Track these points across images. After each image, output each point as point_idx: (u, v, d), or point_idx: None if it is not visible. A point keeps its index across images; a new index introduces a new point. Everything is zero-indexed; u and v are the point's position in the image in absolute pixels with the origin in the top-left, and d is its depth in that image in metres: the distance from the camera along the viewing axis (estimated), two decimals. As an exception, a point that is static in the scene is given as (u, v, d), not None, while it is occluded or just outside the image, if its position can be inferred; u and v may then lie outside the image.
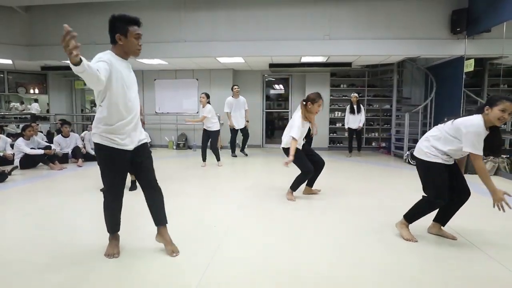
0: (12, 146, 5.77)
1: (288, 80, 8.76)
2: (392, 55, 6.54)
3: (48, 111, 9.64)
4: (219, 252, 2.26)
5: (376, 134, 8.42)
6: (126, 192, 2.26)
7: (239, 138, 7.33)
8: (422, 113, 7.12)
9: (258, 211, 3.27)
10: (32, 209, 3.33)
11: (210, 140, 5.93)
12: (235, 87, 6.98)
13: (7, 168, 4.89)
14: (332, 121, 8.39)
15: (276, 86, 9.34)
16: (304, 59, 7.19)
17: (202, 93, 5.88)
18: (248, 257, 2.21)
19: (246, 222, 2.93)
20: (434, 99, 7.00)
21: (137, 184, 4.18)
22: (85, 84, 9.46)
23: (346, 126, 7.22)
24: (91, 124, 6.22)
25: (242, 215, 3.14)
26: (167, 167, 5.91)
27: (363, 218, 3.03)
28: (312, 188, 3.90)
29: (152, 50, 7.00)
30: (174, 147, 8.59)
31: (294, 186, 3.71)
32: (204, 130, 5.91)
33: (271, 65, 7.78)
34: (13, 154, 5.53)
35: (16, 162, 5.35)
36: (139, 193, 3.93)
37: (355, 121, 7.07)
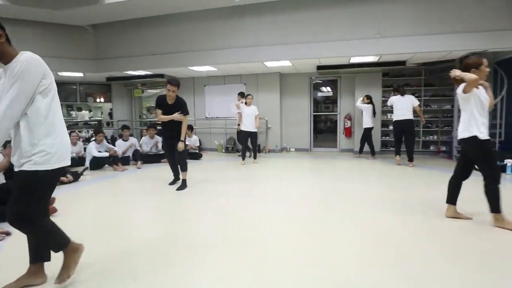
0: (85, 149, 6.48)
1: (337, 82, 8.54)
2: (453, 51, 6.03)
3: (111, 117, 10.58)
4: (270, 253, 2.28)
5: (435, 137, 7.81)
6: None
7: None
8: (491, 113, 6.43)
9: (307, 213, 3.23)
10: (99, 205, 3.69)
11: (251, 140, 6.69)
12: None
13: (80, 169, 5.48)
14: (385, 124, 7.97)
15: (324, 89, 9.17)
16: (354, 60, 6.96)
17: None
18: (297, 261, 2.19)
19: (295, 225, 2.91)
20: (506, 96, 6.30)
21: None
22: (142, 92, 10.38)
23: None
24: (146, 129, 6.69)
25: (291, 218, 3.13)
26: (216, 169, 6.12)
27: (426, 227, 2.83)
28: (459, 211, 2.98)
29: (203, 57, 7.35)
30: (223, 150, 8.85)
31: (495, 206, 2.71)
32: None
33: (319, 67, 7.67)
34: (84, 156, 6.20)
35: (87, 163, 5.98)
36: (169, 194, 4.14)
37: None
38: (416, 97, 7.71)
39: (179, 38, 7.58)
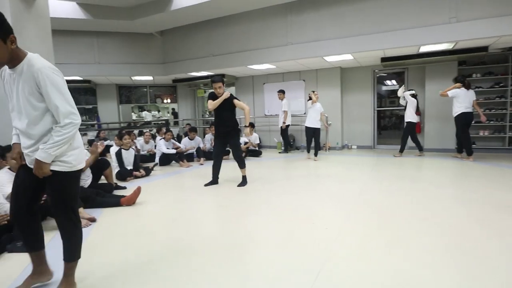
0: (155, 147, 7.07)
1: (403, 74, 7.92)
2: (550, 31, 5.15)
3: (176, 116, 11.33)
4: (333, 255, 2.21)
5: (526, 132, 6.77)
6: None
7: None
8: None
9: (369, 215, 3.06)
10: (167, 199, 3.98)
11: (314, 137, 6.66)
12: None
13: (150, 164, 5.99)
14: (461, 118, 7.15)
15: (389, 82, 8.57)
16: (424, 49, 6.37)
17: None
18: (358, 265, 2.08)
19: (357, 225, 2.77)
20: None
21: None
22: (205, 92, 10.90)
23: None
24: (209, 127, 7.08)
25: (353, 218, 2.99)
26: (275, 167, 6.14)
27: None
28: None
29: (261, 55, 7.42)
30: (283, 147, 8.83)
31: None
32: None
33: (383, 59, 7.19)
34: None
35: (157, 159, 6.50)
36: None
37: None
38: (501, 86, 6.84)
39: (237, 38, 7.78)
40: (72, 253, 1.81)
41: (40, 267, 1.86)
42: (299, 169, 5.77)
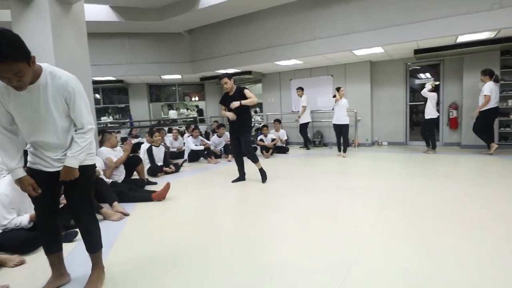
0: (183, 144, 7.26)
1: (439, 67, 7.51)
2: None
3: (201, 114, 11.52)
4: (362, 256, 2.13)
5: None
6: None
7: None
8: None
9: (401, 215, 2.93)
10: (195, 195, 4.07)
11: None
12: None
13: (180, 161, 6.14)
14: (504, 112, 6.64)
15: (422, 75, 8.17)
16: (462, 39, 5.99)
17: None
18: (388, 266, 2.00)
19: (389, 226, 2.67)
20: None
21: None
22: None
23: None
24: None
25: (384, 217, 2.88)
26: (303, 163, 6.07)
27: None
28: None
29: (288, 51, 7.34)
30: (307, 144, 8.71)
31: None
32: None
33: (417, 51, 6.84)
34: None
35: (185, 156, 6.66)
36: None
37: None
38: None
39: (264, 34, 7.75)
40: (95, 243, 1.92)
41: (60, 270, 1.91)
42: (326, 166, 5.67)
